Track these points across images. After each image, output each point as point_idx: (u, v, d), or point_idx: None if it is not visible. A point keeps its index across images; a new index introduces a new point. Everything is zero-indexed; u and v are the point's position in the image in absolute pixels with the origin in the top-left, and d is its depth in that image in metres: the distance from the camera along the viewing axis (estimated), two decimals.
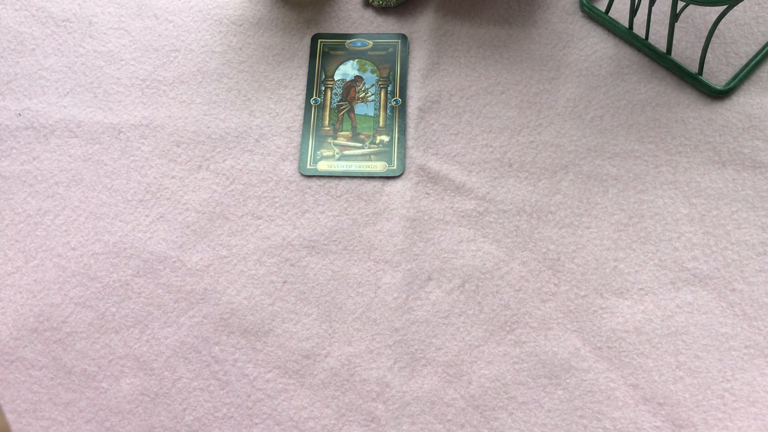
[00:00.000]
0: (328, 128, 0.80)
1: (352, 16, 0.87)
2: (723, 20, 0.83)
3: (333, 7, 0.87)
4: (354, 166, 0.78)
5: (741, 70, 0.80)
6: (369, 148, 0.79)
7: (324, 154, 0.78)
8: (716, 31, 0.83)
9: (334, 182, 0.77)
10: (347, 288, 0.72)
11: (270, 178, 0.77)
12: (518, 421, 0.66)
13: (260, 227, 0.75)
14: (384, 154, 0.78)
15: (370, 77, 0.83)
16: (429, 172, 0.77)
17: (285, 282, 0.73)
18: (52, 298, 0.73)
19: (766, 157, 0.76)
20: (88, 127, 0.81)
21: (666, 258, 0.72)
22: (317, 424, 0.67)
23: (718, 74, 0.80)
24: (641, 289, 0.71)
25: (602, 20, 0.83)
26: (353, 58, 0.84)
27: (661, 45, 0.82)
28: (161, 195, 0.77)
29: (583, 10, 0.84)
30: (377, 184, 0.77)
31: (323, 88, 0.82)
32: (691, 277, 0.71)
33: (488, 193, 0.76)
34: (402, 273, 0.72)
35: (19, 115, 0.82)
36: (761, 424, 0.65)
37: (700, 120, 0.78)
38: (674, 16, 0.76)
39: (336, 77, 0.83)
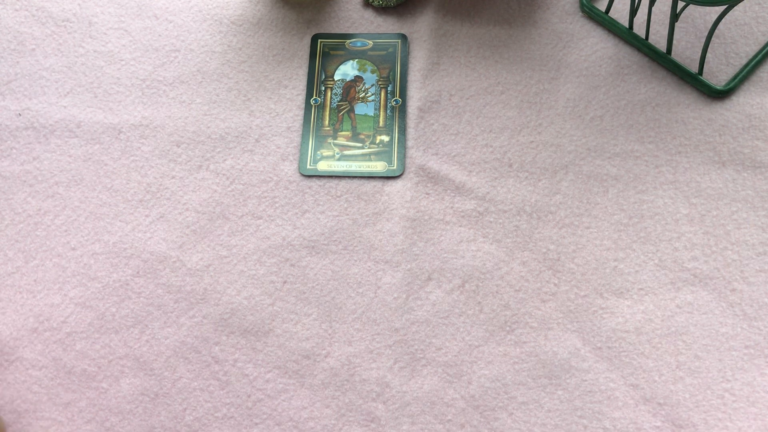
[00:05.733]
0: (328, 128, 0.80)
1: (352, 16, 0.87)
2: (723, 20, 0.83)
3: (333, 7, 0.87)
4: (354, 166, 0.78)
5: (741, 70, 0.80)
6: (369, 148, 0.79)
7: (324, 154, 0.78)
8: (716, 31, 0.83)
9: (334, 182, 0.77)
10: (347, 288, 0.72)
11: (270, 178, 0.77)
12: (518, 421, 0.66)
13: (260, 227, 0.75)
14: (384, 154, 0.78)
15: (370, 77, 0.83)
16: (429, 172, 0.77)
17: (285, 282, 0.73)
18: (52, 298, 0.73)
19: (766, 157, 0.76)
20: (88, 127, 0.81)
21: (666, 258, 0.72)
22: (317, 424, 0.67)
23: (718, 74, 0.80)
24: (641, 289, 0.71)
25: (602, 20, 0.83)
26: (353, 58, 0.84)
27: (661, 45, 0.82)
28: (161, 195, 0.77)
29: (583, 10, 0.84)
30: (377, 184, 0.77)
31: (323, 88, 0.82)
32: (691, 277, 0.71)
33: (488, 193, 0.76)
34: (402, 273, 0.72)
35: (19, 115, 0.82)
36: (761, 424, 0.65)
37: (700, 120, 0.78)
38: (674, 16, 0.76)
39: (336, 77, 0.83)
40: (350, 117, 0.81)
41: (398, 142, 0.79)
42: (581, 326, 0.69)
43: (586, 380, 0.67)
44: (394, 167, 0.77)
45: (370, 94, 0.82)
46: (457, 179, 0.76)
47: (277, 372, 0.69)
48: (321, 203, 0.76)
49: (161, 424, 0.67)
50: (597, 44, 0.83)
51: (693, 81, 0.79)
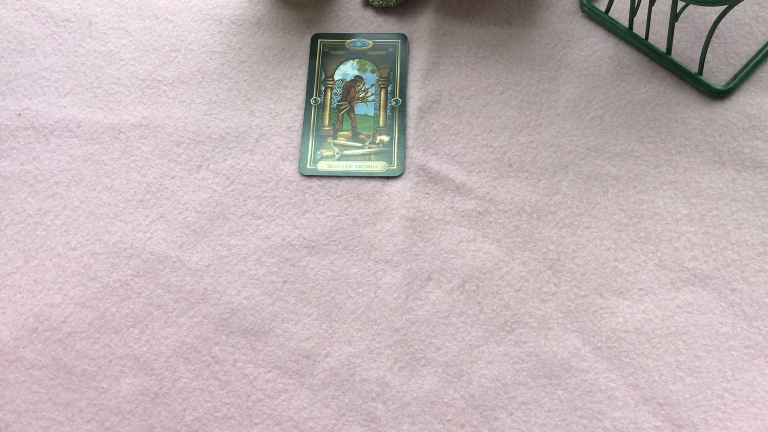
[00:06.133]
0: (328, 128, 0.80)
1: (352, 16, 0.87)
2: (723, 20, 0.83)
3: (333, 7, 0.87)
4: (354, 166, 0.78)
5: (741, 70, 0.80)
6: (369, 148, 0.79)
7: (324, 154, 0.78)
8: (716, 31, 0.83)
9: (334, 182, 0.77)
10: (347, 288, 0.72)
11: (270, 178, 0.77)
12: (518, 421, 0.66)
13: (260, 227, 0.75)
14: (384, 154, 0.78)
15: (370, 77, 0.83)
16: (429, 172, 0.77)
17: (285, 282, 0.73)
18: (52, 298, 0.73)
19: (766, 157, 0.76)
20: (88, 127, 0.81)
21: (666, 258, 0.72)
22: (317, 424, 0.67)
23: (718, 74, 0.80)
24: (641, 289, 0.71)
25: (602, 20, 0.83)
26: (353, 58, 0.84)
27: (661, 45, 0.82)
28: (161, 195, 0.77)
29: (583, 10, 0.84)
30: (377, 184, 0.77)
31: (323, 88, 0.82)
32: (691, 277, 0.71)
33: (488, 193, 0.76)
34: (402, 273, 0.72)
35: (19, 115, 0.82)
36: (761, 424, 0.65)
37: (700, 120, 0.78)
38: (674, 16, 0.76)
39: (336, 77, 0.83)
40: (350, 117, 0.81)
41: (398, 142, 0.79)
42: (581, 326, 0.69)
43: (586, 380, 0.67)
44: (394, 167, 0.77)
45: (370, 94, 0.82)
46: (457, 179, 0.76)
47: (277, 372, 0.69)
48: (321, 203, 0.76)
49: (161, 424, 0.67)
50: (597, 44, 0.83)
51: (693, 81, 0.79)
